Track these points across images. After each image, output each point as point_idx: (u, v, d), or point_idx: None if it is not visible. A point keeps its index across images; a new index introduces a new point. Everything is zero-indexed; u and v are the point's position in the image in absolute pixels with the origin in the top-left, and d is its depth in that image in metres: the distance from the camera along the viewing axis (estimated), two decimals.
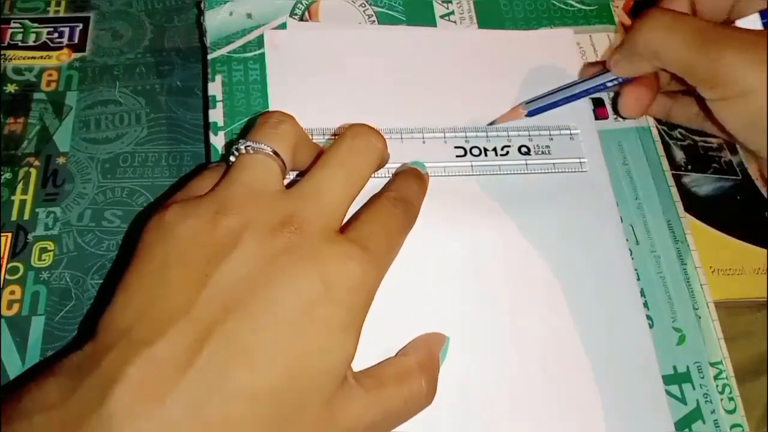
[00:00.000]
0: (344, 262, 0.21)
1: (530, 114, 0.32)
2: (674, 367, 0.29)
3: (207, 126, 0.32)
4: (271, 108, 0.31)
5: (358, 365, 0.23)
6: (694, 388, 0.29)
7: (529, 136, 0.32)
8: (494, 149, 0.32)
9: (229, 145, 0.28)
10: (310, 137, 0.27)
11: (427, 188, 0.28)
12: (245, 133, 0.29)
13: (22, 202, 0.31)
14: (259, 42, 0.33)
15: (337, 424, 0.21)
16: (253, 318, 0.19)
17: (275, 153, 0.23)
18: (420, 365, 0.24)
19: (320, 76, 0.32)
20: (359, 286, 0.21)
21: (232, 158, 0.24)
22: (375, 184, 0.26)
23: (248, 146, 0.23)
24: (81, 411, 0.18)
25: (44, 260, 0.30)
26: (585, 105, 0.34)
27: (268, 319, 0.20)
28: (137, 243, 0.22)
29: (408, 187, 0.27)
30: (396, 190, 0.26)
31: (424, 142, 0.31)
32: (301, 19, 0.34)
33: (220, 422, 0.18)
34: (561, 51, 0.35)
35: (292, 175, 0.27)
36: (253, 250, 0.20)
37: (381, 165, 0.26)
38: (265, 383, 0.19)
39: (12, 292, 0.29)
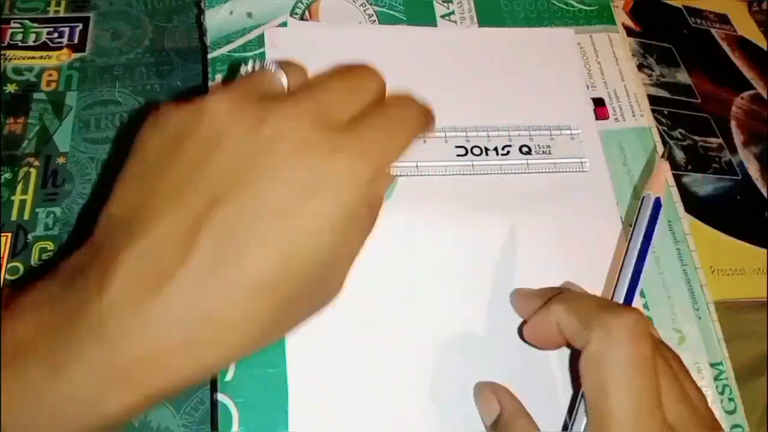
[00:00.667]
0: (333, 155, 0.20)
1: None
2: None
3: None
4: None
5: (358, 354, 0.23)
6: None
7: (530, 135, 0.32)
8: (495, 149, 0.32)
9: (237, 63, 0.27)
10: None
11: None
12: None
13: (22, 202, 0.31)
14: (260, 41, 0.33)
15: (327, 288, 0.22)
16: (244, 209, 0.19)
17: (281, 72, 0.23)
18: None
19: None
20: (349, 180, 0.20)
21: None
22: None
23: (257, 64, 0.24)
24: (80, 302, 0.18)
25: (44, 260, 0.30)
26: (586, 105, 0.34)
27: (259, 210, 0.19)
28: (134, 139, 0.22)
29: (421, 109, 0.26)
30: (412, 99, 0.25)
31: (424, 142, 0.31)
32: (302, 18, 0.34)
33: (220, 312, 0.19)
34: (561, 50, 0.35)
35: None
36: (238, 140, 0.20)
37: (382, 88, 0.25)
38: (261, 276, 0.19)
39: None
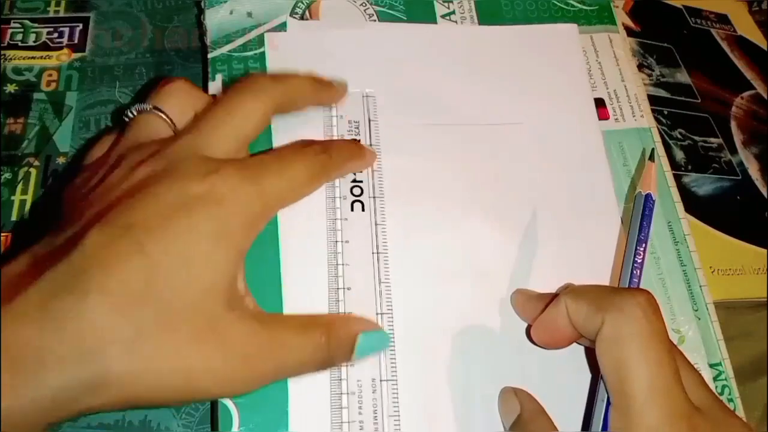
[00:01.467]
0: (209, 177, 0.21)
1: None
2: None
3: None
4: None
5: None
6: None
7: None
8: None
9: (120, 112, 0.28)
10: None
11: (368, 163, 0.29)
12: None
13: (22, 202, 0.31)
14: (260, 41, 0.33)
15: (220, 341, 0.21)
16: (107, 227, 0.20)
17: (158, 109, 0.24)
18: (329, 324, 0.24)
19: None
20: (226, 200, 0.21)
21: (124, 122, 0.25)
22: None
23: (134, 109, 0.25)
24: None
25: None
26: (588, 105, 0.34)
27: (124, 227, 0.20)
28: None
29: (340, 146, 0.28)
30: (322, 141, 0.28)
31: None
32: (302, 18, 0.34)
33: (69, 319, 0.19)
34: (564, 46, 0.35)
35: None
36: (118, 178, 0.22)
37: (286, 106, 0.26)
38: (122, 283, 0.19)
39: None
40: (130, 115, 0.25)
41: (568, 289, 0.25)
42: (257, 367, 0.22)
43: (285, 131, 0.29)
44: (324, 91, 0.29)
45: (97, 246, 0.20)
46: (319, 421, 0.25)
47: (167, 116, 0.24)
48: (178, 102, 0.25)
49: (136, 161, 0.22)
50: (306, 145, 0.26)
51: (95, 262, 0.19)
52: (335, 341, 0.24)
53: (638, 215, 0.27)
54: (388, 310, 0.28)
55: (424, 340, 0.27)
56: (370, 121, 0.31)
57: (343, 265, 0.28)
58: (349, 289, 0.27)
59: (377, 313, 0.27)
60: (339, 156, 0.28)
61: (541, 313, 0.26)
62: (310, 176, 0.25)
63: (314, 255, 0.28)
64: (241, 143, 0.24)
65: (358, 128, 0.31)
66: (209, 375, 0.21)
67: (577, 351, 0.28)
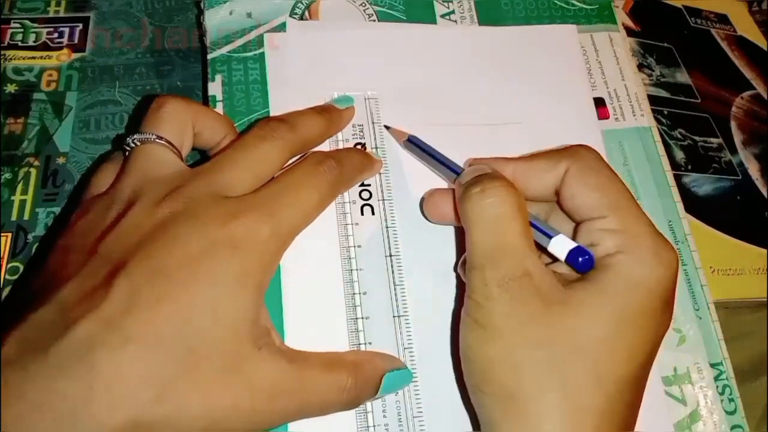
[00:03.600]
0: (228, 220, 0.22)
1: (409, 141, 0.30)
2: (674, 368, 0.29)
3: None
4: (271, 110, 0.31)
5: None
6: (694, 389, 0.29)
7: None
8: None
9: (120, 139, 0.28)
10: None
11: (376, 171, 0.30)
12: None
13: (22, 202, 0.31)
14: (259, 41, 0.33)
15: (246, 380, 0.21)
16: (133, 274, 0.21)
17: (161, 138, 0.24)
18: (355, 365, 0.24)
19: (320, 76, 0.32)
20: (245, 243, 0.22)
21: (126, 153, 0.25)
22: None
23: (135, 139, 0.25)
24: None
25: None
26: (587, 104, 0.34)
27: (149, 274, 0.21)
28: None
29: (351, 159, 0.28)
30: (332, 152, 0.27)
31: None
32: (301, 18, 0.34)
33: (105, 369, 0.19)
34: (563, 46, 0.35)
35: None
36: (139, 219, 0.22)
37: (300, 148, 0.27)
38: (152, 331, 0.20)
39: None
40: (132, 145, 0.25)
41: (576, 151, 0.26)
42: (282, 405, 0.22)
43: None
44: (334, 125, 0.29)
45: (125, 294, 0.20)
46: (319, 421, 0.25)
47: (171, 144, 0.25)
48: (177, 125, 0.25)
49: (154, 200, 0.22)
50: (316, 163, 0.25)
51: (124, 311, 0.20)
52: (361, 383, 0.24)
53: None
54: (405, 312, 0.28)
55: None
56: (373, 123, 0.31)
57: (358, 270, 0.28)
58: (365, 293, 0.27)
59: (394, 316, 0.27)
60: (350, 171, 0.28)
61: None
62: (321, 200, 0.25)
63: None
64: (258, 183, 0.24)
65: (362, 131, 0.31)
66: (236, 414, 0.21)
67: None
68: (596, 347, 0.21)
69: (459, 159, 0.31)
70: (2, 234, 0.30)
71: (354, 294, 0.27)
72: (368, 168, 0.29)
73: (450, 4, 0.36)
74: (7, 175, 0.32)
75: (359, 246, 0.28)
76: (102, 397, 0.19)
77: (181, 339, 0.20)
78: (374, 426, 0.26)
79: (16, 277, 0.30)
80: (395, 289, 0.28)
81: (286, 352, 0.23)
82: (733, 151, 0.40)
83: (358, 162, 0.28)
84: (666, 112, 0.40)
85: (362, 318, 0.27)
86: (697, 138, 0.39)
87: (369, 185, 0.30)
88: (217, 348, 0.21)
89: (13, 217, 0.31)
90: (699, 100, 0.41)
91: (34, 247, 0.30)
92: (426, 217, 0.29)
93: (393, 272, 0.28)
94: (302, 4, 0.34)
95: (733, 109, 0.42)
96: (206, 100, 0.32)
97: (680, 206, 0.33)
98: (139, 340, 0.20)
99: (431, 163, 0.29)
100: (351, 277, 0.28)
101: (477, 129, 0.32)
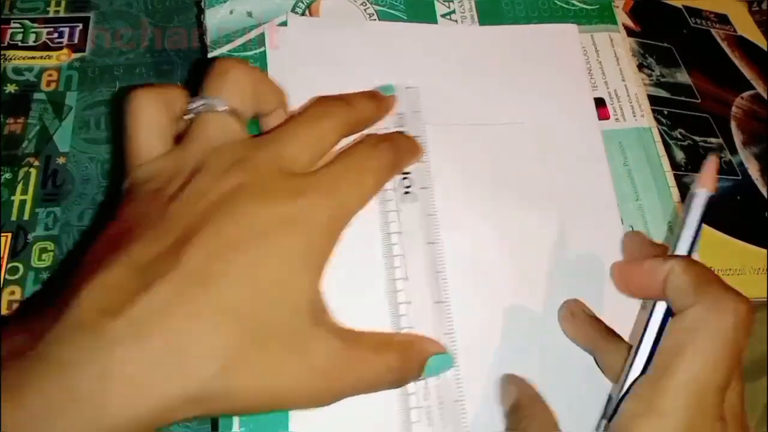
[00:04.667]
0: (294, 198, 0.22)
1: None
2: None
3: None
4: None
5: None
6: None
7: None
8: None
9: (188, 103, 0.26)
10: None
11: (420, 157, 0.30)
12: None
13: (22, 202, 0.31)
14: (260, 40, 0.33)
15: (306, 358, 0.22)
16: (205, 245, 0.21)
17: (226, 106, 0.24)
18: (403, 346, 0.25)
19: (321, 75, 0.32)
20: (309, 222, 0.22)
21: (190, 117, 0.25)
22: None
23: (200, 105, 0.24)
24: (40, 334, 0.19)
25: (44, 260, 0.30)
26: (588, 105, 0.34)
27: (220, 247, 0.21)
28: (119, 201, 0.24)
29: (406, 144, 0.29)
30: (387, 135, 0.28)
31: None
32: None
33: (177, 341, 0.19)
34: (564, 46, 0.35)
35: None
36: (205, 187, 0.22)
37: (354, 128, 0.27)
38: (221, 304, 0.20)
39: (12, 293, 0.29)
40: (198, 109, 0.24)
41: (682, 258, 0.25)
42: (337, 383, 0.22)
43: None
44: (383, 110, 0.30)
45: (195, 265, 0.20)
46: (319, 421, 0.25)
47: (235, 112, 0.25)
48: (241, 92, 0.25)
49: (221, 169, 0.23)
50: (373, 146, 0.26)
51: (195, 282, 0.20)
52: (408, 364, 0.25)
53: (694, 214, 0.26)
54: (446, 298, 0.28)
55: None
56: (414, 113, 0.32)
57: (400, 256, 0.28)
58: (407, 279, 0.28)
59: (435, 302, 0.28)
60: (403, 155, 0.28)
61: (642, 259, 0.26)
62: (378, 183, 0.26)
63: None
64: (316, 159, 0.25)
65: (403, 120, 0.31)
66: (294, 391, 0.22)
67: (576, 361, 0.28)
68: None
69: (459, 158, 0.31)
70: (2, 234, 0.30)
71: (396, 279, 0.28)
72: (416, 152, 0.30)
73: (450, 3, 0.36)
74: (7, 175, 0.32)
75: (400, 233, 0.29)
76: (170, 366, 0.19)
77: (248, 313, 0.21)
78: (417, 408, 0.26)
79: (16, 277, 0.30)
80: (436, 276, 0.28)
81: (340, 331, 0.24)
82: (733, 151, 0.40)
83: (407, 146, 0.29)
84: (666, 113, 0.40)
85: (404, 303, 0.28)
86: (697, 138, 0.39)
87: (410, 173, 0.30)
88: (280, 324, 0.21)
89: (13, 217, 0.31)
90: (699, 100, 0.41)
91: (35, 246, 0.30)
92: (617, 286, 0.27)
93: (433, 259, 0.28)
94: (303, 3, 0.34)
95: (733, 109, 0.42)
96: None
97: (680, 206, 0.33)
98: (208, 313, 0.20)
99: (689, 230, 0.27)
100: (392, 262, 0.28)
101: (477, 129, 0.32)
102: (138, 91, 0.25)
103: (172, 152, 0.24)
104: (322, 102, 0.26)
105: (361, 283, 0.28)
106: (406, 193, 0.30)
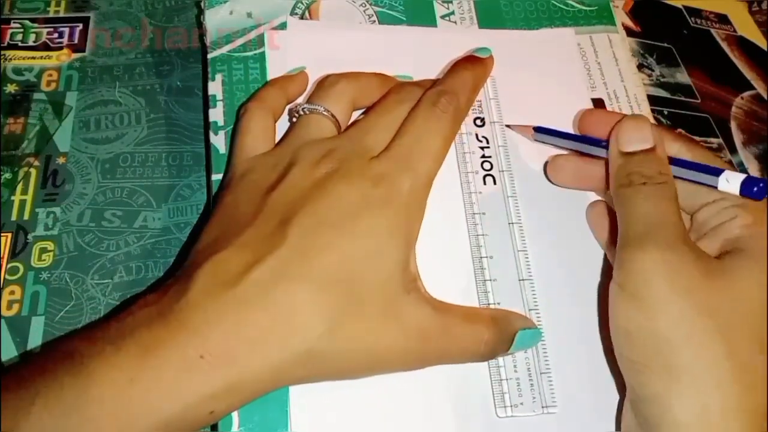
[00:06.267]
0: (378, 179, 0.25)
1: (537, 131, 0.31)
2: None
3: (207, 125, 0.32)
4: None
5: None
6: None
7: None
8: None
9: (290, 110, 0.30)
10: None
11: (489, 73, 0.32)
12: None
13: (22, 202, 0.31)
14: (260, 41, 0.33)
15: (400, 322, 0.24)
16: (304, 224, 0.23)
17: (327, 111, 0.28)
18: (492, 319, 0.26)
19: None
20: (392, 198, 0.25)
21: (293, 119, 0.28)
22: None
23: (304, 108, 0.28)
24: (170, 301, 0.22)
25: (44, 260, 0.30)
26: (588, 104, 0.34)
27: (317, 225, 0.24)
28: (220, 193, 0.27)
29: (465, 83, 0.29)
30: (442, 83, 0.29)
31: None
32: (302, 18, 0.34)
33: (286, 308, 0.22)
34: (562, 51, 0.35)
35: None
36: (300, 178, 0.25)
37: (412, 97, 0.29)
38: (324, 273, 0.23)
39: (12, 292, 0.29)
40: (302, 113, 0.28)
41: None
42: (429, 348, 0.24)
43: None
44: (480, 77, 0.31)
45: (297, 240, 0.23)
46: (318, 422, 0.25)
47: (333, 116, 0.28)
48: (342, 102, 0.28)
49: (312, 162, 0.25)
50: (432, 105, 0.27)
51: (299, 255, 0.23)
52: (497, 337, 0.26)
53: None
54: (529, 276, 0.29)
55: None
56: (490, 99, 0.33)
57: (483, 235, 0.29)
58: (491, 257, 0.29)
59: (520, 279, 0.29)
60: (465, 96, 0.29)
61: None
62: (446, 140, 0.27)
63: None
64: (390, 139, 0.27)
65: (481, 107, 0.33)
66: (390, 352, 0.24)
67: (577, 359, 0.28)
68: (758, 313, 0.22)
69: (460, 159, 0.31)
70: (2, 234, 0.30)
71: (481, 258, 0.29)
72: (482, 78, 0.31)
73: (450, 5, 0.36)
74: (7, 175, 0.32)
75: (483, 213, 0.30)
76: (283, 327, 0.22)
77: (347, 282, 0.23)
78: (507, 380, 0.27)
79: (16, 277, 0.30)
80: (519, 254, 0.29)
81: (431, 299, 0.25)
82: (733, 151, 0.40)
83: (470, 80, 0.30)
84: (666, 112, 0.40)
85: (490, 280, 0.29)
86: (697, 138, 0.39)
87: (490, 157, 0.31)
88: (375, 291, 0.23)
89: (13, 217, 0.31)
90: (699, 100, 0.41)
91: (35, 246, 0.30)
92: (549, 179, 0.31)
93: (516, 238, 0.30)
94: (302, 3, 0.34)
95: (733, 109, 0.42)
96: (207, 100, 0.32)
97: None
98: (312, 281, 0.23)
99: (568, 144, 0.30)
100: (477, 242, 0.29)
101: (477, 130, 0.32)
102: (248, 105, 0.29)
103: (272, 149, 0.27)
104: (399, 89, 0.29)
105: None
106: (487, 176, 0.31)
